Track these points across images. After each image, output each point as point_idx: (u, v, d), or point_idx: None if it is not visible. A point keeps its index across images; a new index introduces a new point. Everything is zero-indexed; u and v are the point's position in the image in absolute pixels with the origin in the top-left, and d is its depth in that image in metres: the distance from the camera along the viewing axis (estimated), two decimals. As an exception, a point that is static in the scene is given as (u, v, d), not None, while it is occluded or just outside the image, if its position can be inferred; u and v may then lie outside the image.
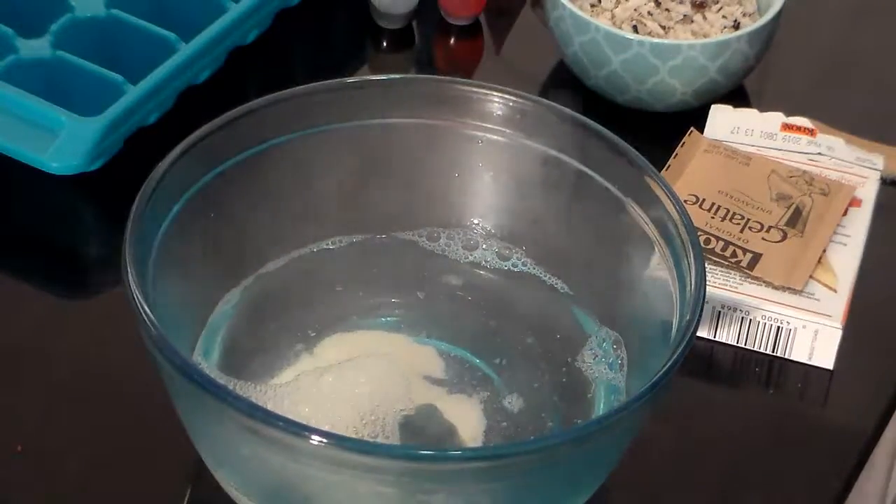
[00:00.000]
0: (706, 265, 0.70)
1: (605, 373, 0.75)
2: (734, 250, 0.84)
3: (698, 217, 0.85)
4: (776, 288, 0.82)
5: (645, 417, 0.67)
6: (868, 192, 0.89)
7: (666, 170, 0.89)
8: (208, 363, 0.73)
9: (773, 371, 0.82)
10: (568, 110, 0.77)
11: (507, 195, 0.80)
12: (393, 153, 0.80)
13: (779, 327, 0.82)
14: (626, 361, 0.75)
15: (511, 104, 0.78)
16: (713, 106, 0.95)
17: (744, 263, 0.83)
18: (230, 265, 0.77)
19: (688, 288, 0.69)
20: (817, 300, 0.82)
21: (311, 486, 0.65)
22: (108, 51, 0.94)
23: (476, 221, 0.80)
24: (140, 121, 0.91)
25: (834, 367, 0.82)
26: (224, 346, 0.75)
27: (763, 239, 0.85)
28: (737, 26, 0.96)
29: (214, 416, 0.64)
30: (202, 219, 0.74)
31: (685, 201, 0.80)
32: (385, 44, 1.04)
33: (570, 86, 0.99)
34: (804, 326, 0.81)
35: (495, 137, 0.78)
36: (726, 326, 0.82)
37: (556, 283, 0.79)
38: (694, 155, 0.90)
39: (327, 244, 0.80)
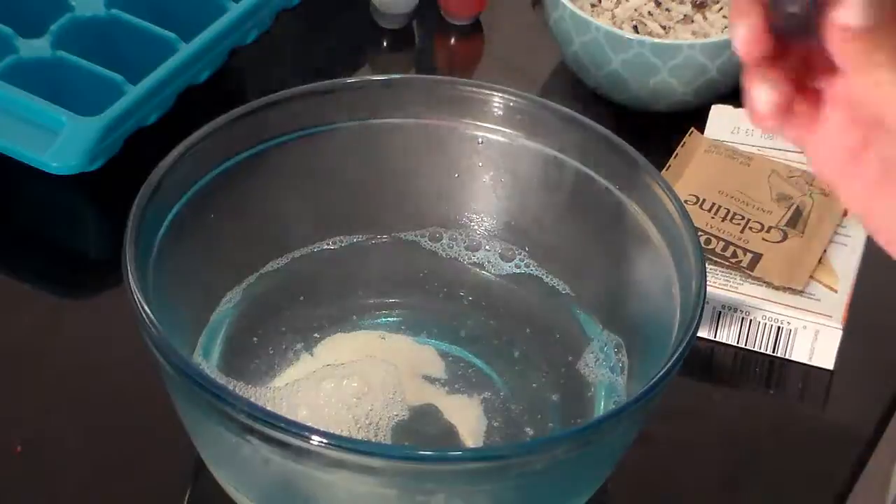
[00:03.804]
0: (707, 265, 0.70)
1: (606, 375, 0.75)
2: (734, 250, 0.84)
3: (699, 217, 0.85)
4: (776, 288, 0.82)
5: (645, 418, 0.67)
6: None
7: (666, 170, 0.89)
8: (208, 363, 0.73)
9: (774, 371, 0.82)
10: (568, 110, 0.77)
11: (507, 196, 0.80)
12: (393, 153, 0.80)
13: (779, 327, 0.82)
14: (626, 364, 0.75)
15: (511, 104, 0.78)
16: (714, 106, 0.95)
17: (744, 264, 0.83)
18: (230, 265, 0.77)
19: (688, 288, 0.69)
20: (818, 300, 0.82)
21: (310, 486, 0.66)
22: (108, 51, 0.94)
23: (478, 222, 0.80)
24: (140, 121, 0.91)
25: (834, 368, 0.82)
26: (224, 346, 0.75)
27: (763, 239, 0.85)
28: (737, 26, 0.96)
29: (214, 417, 0.64)
30: (202, 219, 0.74)
31: (685, 201, 0.80)
32: (385, 44, 1.04)
33: (570, 86, 0.99)
34: (804, 327, 0.81)
35: (495, 137, 0.78)
36: (727, 327, 0.82)
37: (558, 284, 0.79)
38: (694, 155, 0.90)
39: (327, 244, 0.80)
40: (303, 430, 0.61)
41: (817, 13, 0.56)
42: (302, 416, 0.69)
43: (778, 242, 0.85)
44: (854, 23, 0.55)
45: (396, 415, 0.71)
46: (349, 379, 0.71)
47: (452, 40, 1.04)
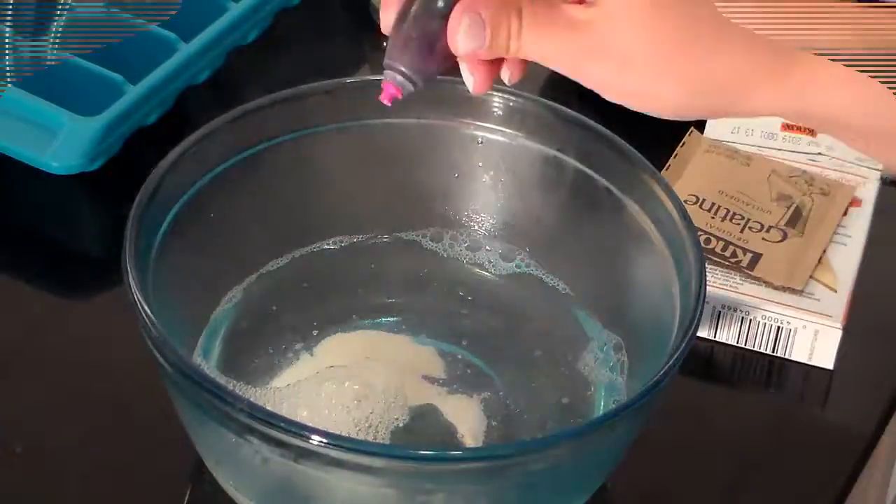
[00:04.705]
0: (706, 265, 0.70)
1: (606, 374, 0.75)
2: (734, 250, 0.84)
3: (698, 217, 0.85)
4: (776, 288, 0.82)
5: (645, 417, 0.67)
6: (868, 192, 0.89)
7: (666, 170, 0.89)
8: (208, 363, 0.73)
9: (774, 371, 0.82)
10: (568, 110, 0.77)
11: (507, 196, 0.80)
12: (393, 153, 0.80)
13: (779, 327, 0.82)
14: (626, 364, 0.75)
15: (511, 104, 0.78)
16: (713, 106, 0.95)
17: (744, 263, 0.83)
18: (230, 265, 0.77)
19: (688, 288, 0.69)
20: (817, 300, 0.82)
21: (310, 486, 0.65)
22: (108, 51, 0.94)
23: (478, 222, 0.80)
24: (140, 121, 0.91)
25: (834, 368, 0.82)
26: (224, 346, 0.75)
27: (763, 239, 0.85)
28: (737, 26, 0.96)
29: (214, 416, 0.64)
30: (202, 219, 0.74)
31: (685, 201, 0.80)
32: (385, 44, 1.03)
33: (570, 86, 0.98)
34: (804, 326, 0.81)
35: (495, 137, 0.78)
36: (726, 326, 0.82)
37: (558, 284, 0.79)
38: (694, 155, 0.90)
39: (327, 244, 0.80)
40: (303, 430, 0.61)
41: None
42: (302, 416, 0.69)
43: (778, 242, 0.85)
44: (467, 51, 0.63)
45: (396, 419, 0.71)
46: (351, 381, 0.71)
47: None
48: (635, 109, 0.65)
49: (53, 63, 0.92)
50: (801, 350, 0.82)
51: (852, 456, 0.79)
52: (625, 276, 0.76)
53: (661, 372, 0.65)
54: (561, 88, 0.99)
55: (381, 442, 0.70)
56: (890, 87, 0.64)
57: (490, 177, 0.80)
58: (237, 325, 0.76)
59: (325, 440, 0.61)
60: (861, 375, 0.83)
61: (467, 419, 0.74)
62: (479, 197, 0.80)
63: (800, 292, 0.82)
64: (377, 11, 1.03)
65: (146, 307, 0.65)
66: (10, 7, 0.95)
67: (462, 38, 0.63)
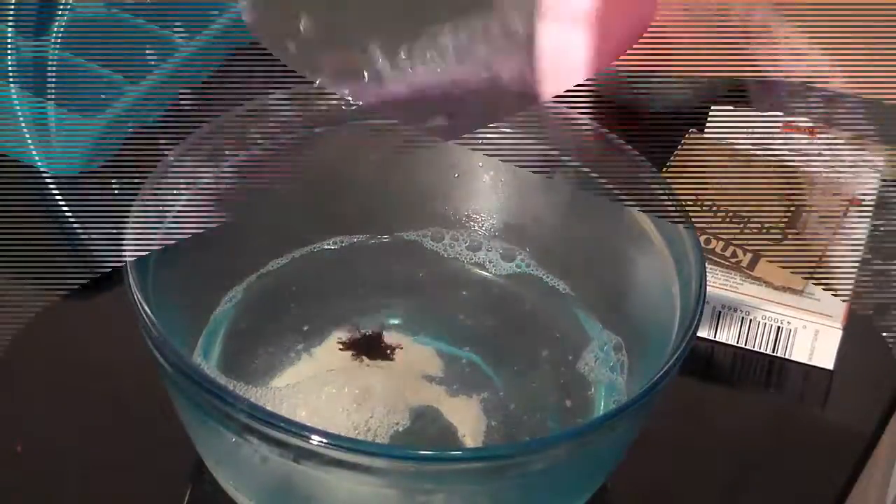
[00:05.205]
0: (707, 265, 0.70)
1: (606, 374, 0.75)
2: (734, 250, 0.84)
3: (698, 217, 0.85)
4: (776, 288, 0.82)
5: (645, 417, 0.67)
6: (868, 192, 0.89)
7: (666, 170, 0.89)
8: (208, 363, 0.73)
9: (774, 371, 0.82)
10: (568, 110, 0.77)
11: (507, 196, 0.80)
12: (393, 153, 0.80)
13: (779, 327, 0.82)
14: (626, 364, 0.75)
15: (511, 104, 0.78)
16: (714, 106, 0.95)
17: (744, 263, 0.83)
18: (230, 265, 0.77)
19: (688, 288, 0.69)
20: (818, 300, 0.82)
21: (310, 486, 0.65)
22: (108, 51, 0.94)
23: (478, 222, 0.81)
24: (140, 121, 0.91)
25: (834, 368, 0.82)
26: (224, 346, 0.75)
27: (764, 239, 0.85)
28: (737, 26, 0.96)
29: (214, 416, 0.64)
30: (202, 219, 0.74)
31: (685, 201, 0.80)
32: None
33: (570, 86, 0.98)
34: (804, 326, 0.81)
35: (495, 137, 0.78)
36: (726, 326, 0.82)
37: (558, 284, 0.79)
38: (694, 155, 0.90)
39: (327, 244, 0.80)
40: (303, 431, 0.61)
41: None
42: (301, 417, 0.69)
43: (778, 242, 0.85)
44: None
45: (397, 423, 0.71)
46: (350, 384, 0.71)
47: (452, 40, 1.04)
48: None
49: (54, 63, 0.92)
50: (801, 350, 0.82)
51: (852, 456, 0.79)
52: (625, 276, 0.76)
53: (661, 372, 0.65)
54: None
55: (381, 442, 0.70)
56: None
57: (490, 177, 0.80)
58: (238, 326, 0.76)
59: (325, 440, 0.61)
60: (861, 375, 0.83)
61: (467, 420, 0.74)
62: (479, 197, 0.80)
63: (800, 292, 0.82)
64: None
65: (146, 307, 0.65)
66: (12, 7, 0.95)
67: None
